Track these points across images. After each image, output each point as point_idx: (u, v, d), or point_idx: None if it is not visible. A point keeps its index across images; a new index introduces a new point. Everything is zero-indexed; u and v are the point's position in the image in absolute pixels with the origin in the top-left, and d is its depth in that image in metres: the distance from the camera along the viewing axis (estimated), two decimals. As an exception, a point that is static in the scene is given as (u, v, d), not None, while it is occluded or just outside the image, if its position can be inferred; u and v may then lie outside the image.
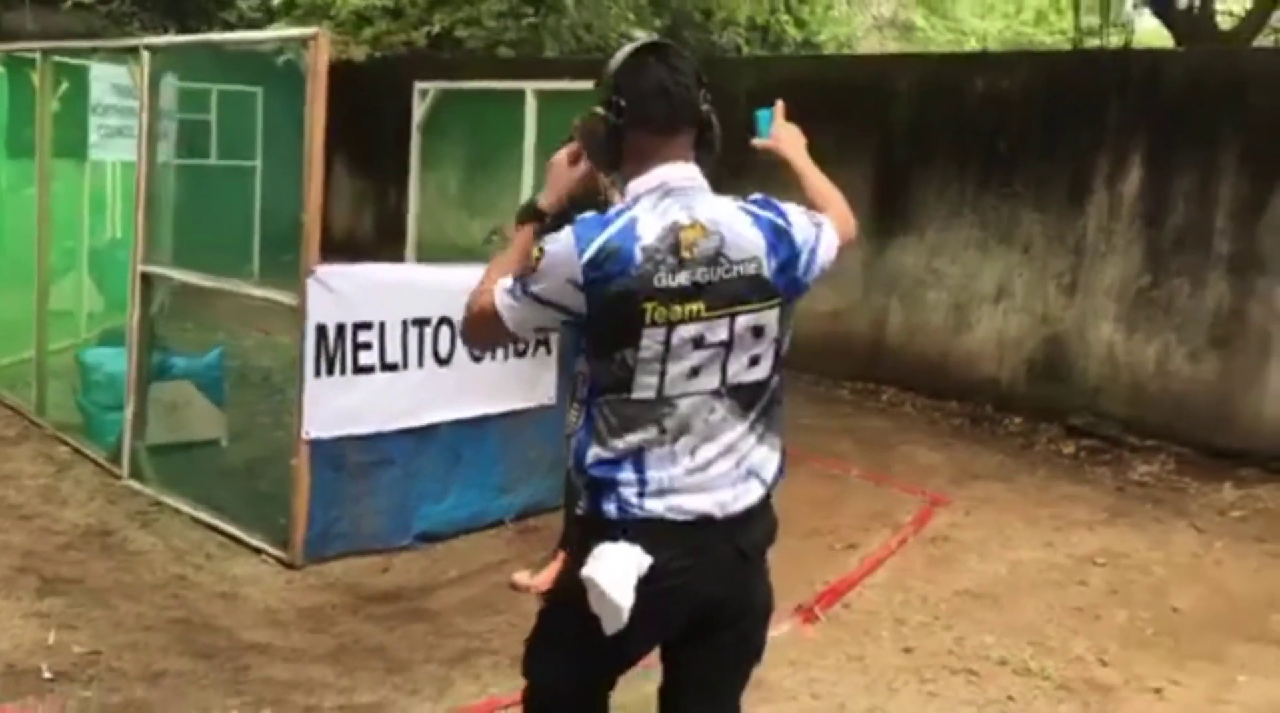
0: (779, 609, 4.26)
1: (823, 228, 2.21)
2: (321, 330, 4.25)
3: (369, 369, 4.42)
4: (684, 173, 2.09)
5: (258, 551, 4.48)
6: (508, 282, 2.09)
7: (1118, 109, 6.88)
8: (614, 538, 2.04)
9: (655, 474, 2.06)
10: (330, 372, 4.29)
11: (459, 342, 4.73)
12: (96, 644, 3.64)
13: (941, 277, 7.78)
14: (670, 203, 2.05)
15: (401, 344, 4.52)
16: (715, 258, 2.02)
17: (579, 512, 2.15)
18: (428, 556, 4.64)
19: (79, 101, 7.96)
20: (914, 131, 7.97)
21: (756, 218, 2.09)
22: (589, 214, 2.06)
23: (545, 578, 4.32)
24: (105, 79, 8.15)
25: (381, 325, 4.44)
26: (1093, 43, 13.60)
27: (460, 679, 3.61)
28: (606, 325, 2.02)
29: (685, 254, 2.00)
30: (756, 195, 2.15)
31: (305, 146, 4.12)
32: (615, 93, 2.07)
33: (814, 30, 17.31)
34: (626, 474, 2.06)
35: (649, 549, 2.03)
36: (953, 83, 7.85)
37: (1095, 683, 3.81)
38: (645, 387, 2.04)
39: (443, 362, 4.68)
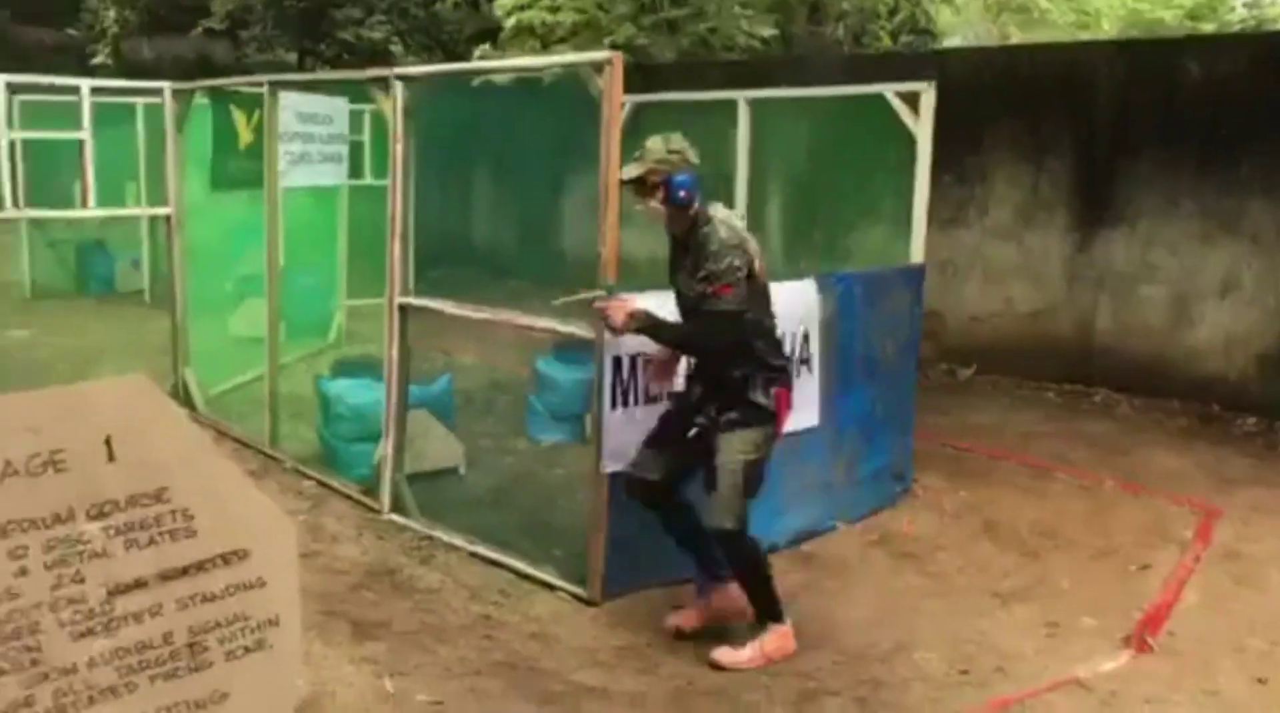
0: (1104, 638, 4.11)
1: None
2: (618, 362, 4.15)
3: (657, 398, 4.31)
4: None
5: (549, 586, 4.40)
6: None
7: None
8: None
9: None
10: (625, 404, 4.19)
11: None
12: (436, 693, 3.58)
13: (1156, 271, 7.47)
14: None
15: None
16: None
17: None
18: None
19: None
20: (1118, 120, 7.66)
21: None
22: None
23: (688, 617, 4.12)
24: (290, 107, 8.22)
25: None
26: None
27: (815, 724, 3.48)
28: None
29: None
30: None
31: (601, 176, 4.01)
32: None
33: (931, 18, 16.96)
34: None
35: None
36: (1160, 68, 7.53)
37: None
38: None
39: (720, 387, 4.56)
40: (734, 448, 3.81)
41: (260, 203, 6.78)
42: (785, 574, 4.64)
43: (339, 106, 8.84)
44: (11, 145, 6.37)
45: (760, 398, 3.82)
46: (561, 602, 4.31)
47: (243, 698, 2.08)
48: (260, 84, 6.50)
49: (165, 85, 7.07)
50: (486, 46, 9.39)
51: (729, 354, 3.80)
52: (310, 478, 5.70)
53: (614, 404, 4.17)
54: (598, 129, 4.03)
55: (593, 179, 4.07)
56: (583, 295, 4.06)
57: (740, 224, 3.85)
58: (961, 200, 8.36)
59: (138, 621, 1.95)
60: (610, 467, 4.20)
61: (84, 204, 6.80)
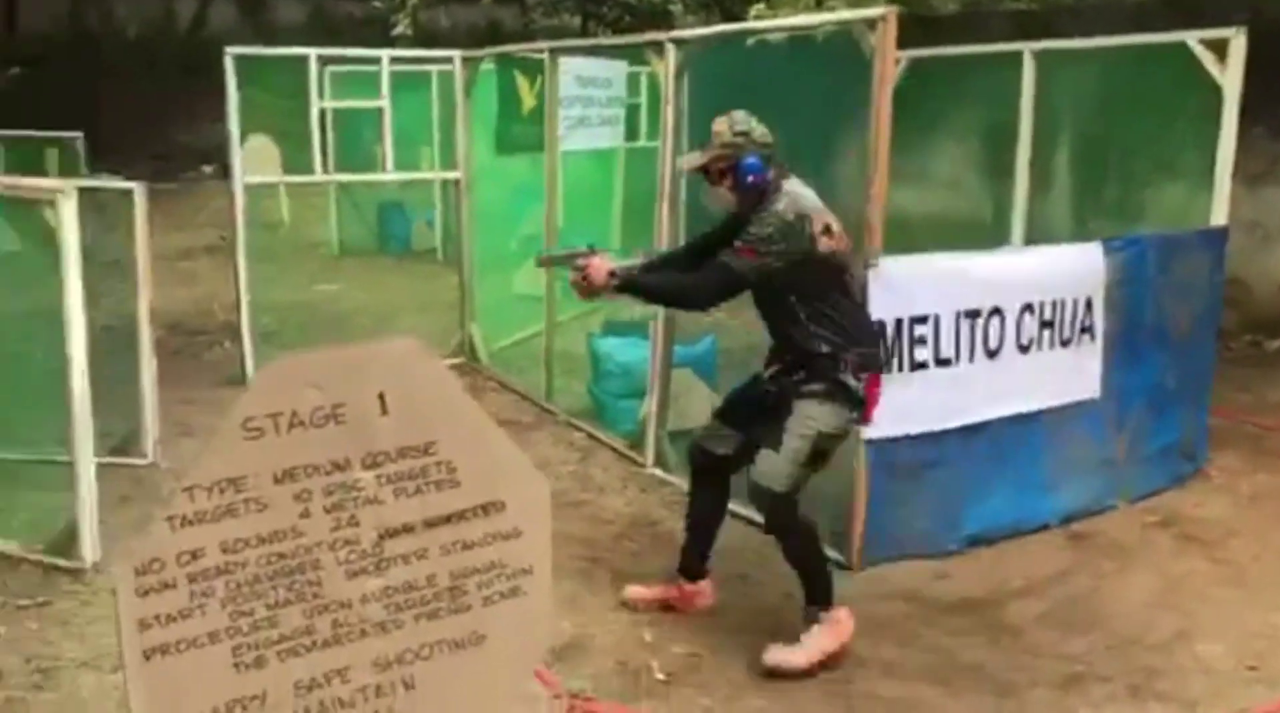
0: None
1: None
2: (882, 327, 4.06)
3: (923, 365, 4.20)
4: None
5: (808, 550, 4.39)
6: None
7: None
8: None
9: None
10: (889, 369, 4.09)
11: (1007, 335, 4.45)
12: (692, 645, 3.68)
13: None
14: None
15: (954, 338, 4.26)
16: None
17: None
18: (980, 561, 4.38)
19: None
20: None
21: None
22: None
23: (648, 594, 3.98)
24: (570, 72, 8.46)
25: (936, 318, 4.20)
26: None
27: (1081, 709, 3.32)
28: None
29: None
30: None
31: (870, 135, 3.92)
32: None
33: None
34: None
35: None
36: None
37: None
38: None
39: (991, 355, 4.39)
40: (808, 414, 3.49)
41: (541, 166, 7.05)
42: (1055, 554, 4.47)
43: (618, 69, 8.99)
44: (322, 114, 6.91)
45: (850, 380, 3.50)
46: (818, 567, 4.29)
47: (498, 642, 2.20)
48: (541, 51, 6.72)
49: (455, 54, 7.45)
50: (761, 5, 9.28)
51: (812, 329, 3.50)
52: (581, 430, 5.93)
53: (877, 369, 4.08)
54: (869, 88, 3.94)
55: (865, 141, 3.99)
56: (565, 252, 3.90)
57: (808, 197, 3.54)
58: (1275, 155, 7.60)
59: (405, 563, 2.10)
60: (871, 434, 4.12)
61: (383, 168, 7.30)
